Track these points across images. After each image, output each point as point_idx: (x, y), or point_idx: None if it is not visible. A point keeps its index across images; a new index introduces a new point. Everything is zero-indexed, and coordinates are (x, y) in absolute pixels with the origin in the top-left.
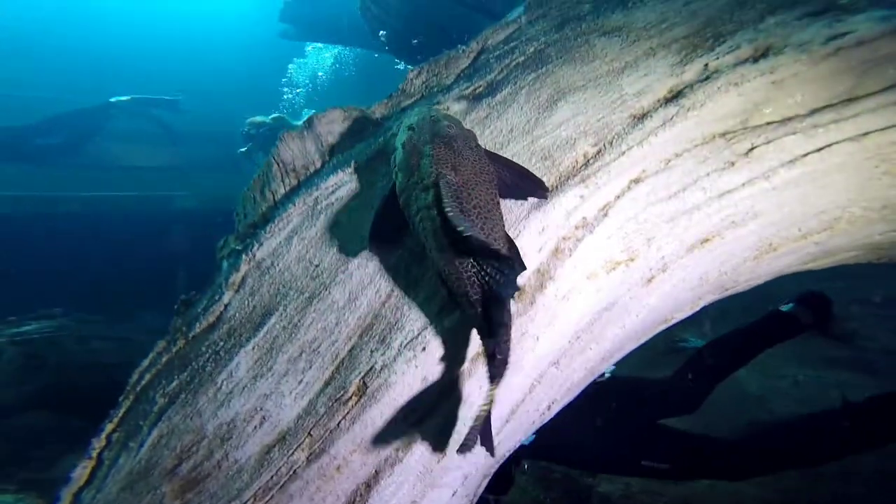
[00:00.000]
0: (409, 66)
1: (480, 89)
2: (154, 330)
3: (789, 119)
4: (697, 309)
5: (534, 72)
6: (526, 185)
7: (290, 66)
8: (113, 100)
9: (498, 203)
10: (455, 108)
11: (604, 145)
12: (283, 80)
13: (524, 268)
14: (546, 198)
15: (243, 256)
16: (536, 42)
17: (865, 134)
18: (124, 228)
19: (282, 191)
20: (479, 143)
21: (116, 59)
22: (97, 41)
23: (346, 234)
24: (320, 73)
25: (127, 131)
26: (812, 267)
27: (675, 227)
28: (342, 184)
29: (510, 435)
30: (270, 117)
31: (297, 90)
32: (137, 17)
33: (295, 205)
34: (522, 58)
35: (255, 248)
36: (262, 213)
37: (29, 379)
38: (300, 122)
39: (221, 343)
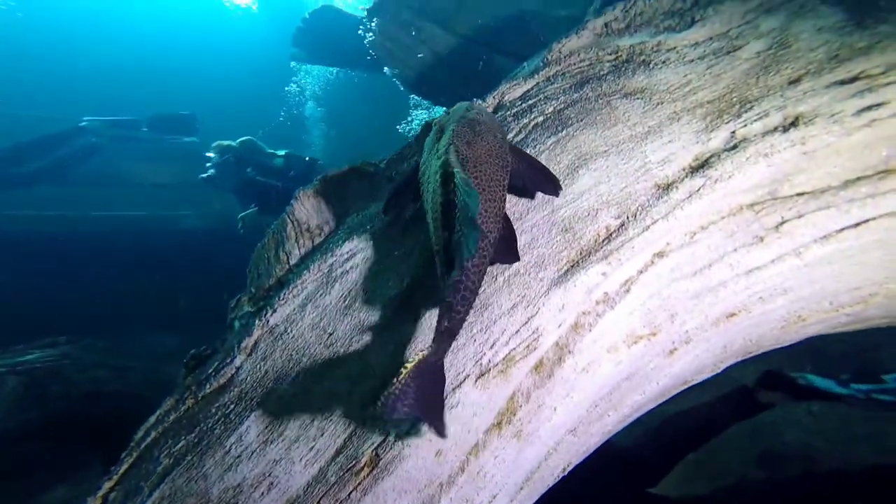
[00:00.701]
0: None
1: None
2: (154, 354)
3: (822, 191)
4: (718, 371)
5: (553, 135)
6: (540, 181)
7: (291, 63)
8: (83, 123)
9: (503, 185)
10: None
11: (627, 217)
12: (293, 78)
13: (517, 258)
14: (557, 195)
15: (256, 321)
16: (555, 101)
17: None
18: (125, 249)
19: (296, 252)
20: None
21: (116, 76)
22: (95, 57)
23: (361, 303)
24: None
25: (130, 151)
26: (841, 331)
27: (699, 302)
28: (357, 251)
29: (524, 501)
30: (238, 141)
31: (300, 82)
32: (136, 30)
33: (310, 270)
34: (541, 118)
35: (269, 313)
36: (276, 277)
37: (29, 409)
38: (276, 151)
39: (232, 406)
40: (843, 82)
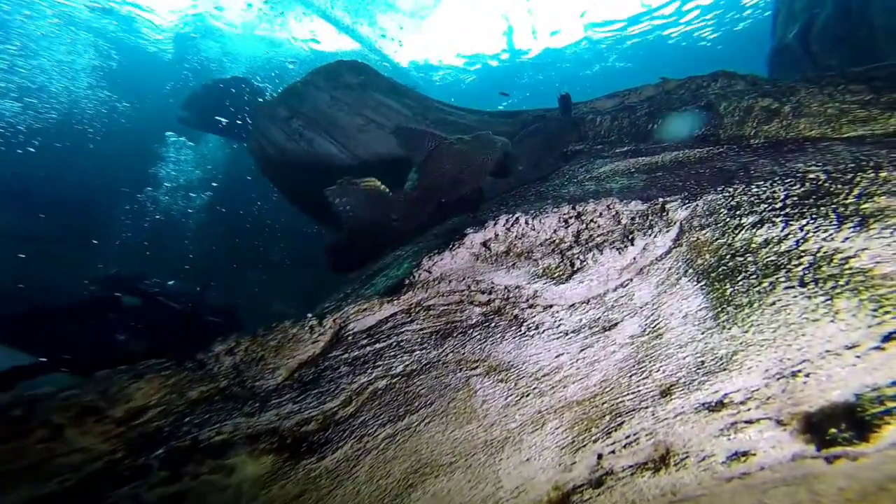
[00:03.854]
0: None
1: (316, 437)
2: None
3: None
4: None
5: (392, 423)
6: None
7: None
8: None
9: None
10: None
11: None
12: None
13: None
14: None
15: None
16: (409, 356)
17: None
18: None
19: None
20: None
21: None
22: None
23: None
24: None
25: None
26: None
27: None
28: None
29: None
30: None
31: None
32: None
33: None
34: (384, 382)
35: None
36: None
37: None
38: None
39: None
40: (710, 408)
